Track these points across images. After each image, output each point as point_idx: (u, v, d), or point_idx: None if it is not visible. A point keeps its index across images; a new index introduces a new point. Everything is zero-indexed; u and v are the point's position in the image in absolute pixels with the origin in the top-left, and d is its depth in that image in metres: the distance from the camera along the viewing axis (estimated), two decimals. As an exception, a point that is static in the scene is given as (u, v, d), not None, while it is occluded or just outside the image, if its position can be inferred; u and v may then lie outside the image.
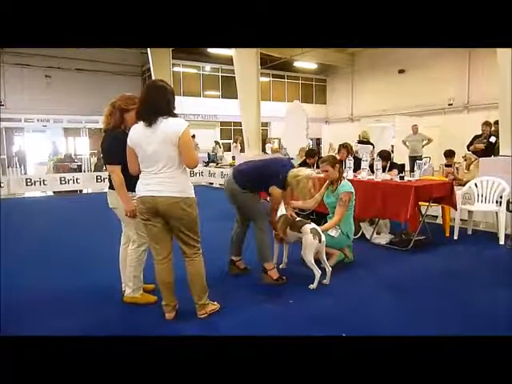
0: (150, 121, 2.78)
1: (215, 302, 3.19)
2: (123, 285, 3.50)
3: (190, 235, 2.94)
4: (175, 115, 2.86)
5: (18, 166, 17.18)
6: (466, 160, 7.81)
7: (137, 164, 2.93)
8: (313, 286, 3.65)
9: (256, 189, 3.87)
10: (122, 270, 3.49)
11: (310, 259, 3.66)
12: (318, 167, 5.50)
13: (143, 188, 2.89)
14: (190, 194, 2.89)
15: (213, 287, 3.22)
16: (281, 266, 4.21)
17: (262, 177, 3.80)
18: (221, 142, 19.60)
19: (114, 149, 3.17)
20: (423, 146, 11.57)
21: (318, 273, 3.66)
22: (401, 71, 20.33)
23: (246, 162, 4.09)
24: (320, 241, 3.70)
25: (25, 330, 2.85)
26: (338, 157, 6.58)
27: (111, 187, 3.29)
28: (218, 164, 15.27)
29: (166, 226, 2.94)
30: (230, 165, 12.51)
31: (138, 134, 2.85)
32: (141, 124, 2.84)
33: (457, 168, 7.11)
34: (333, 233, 4.20)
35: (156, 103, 2.79)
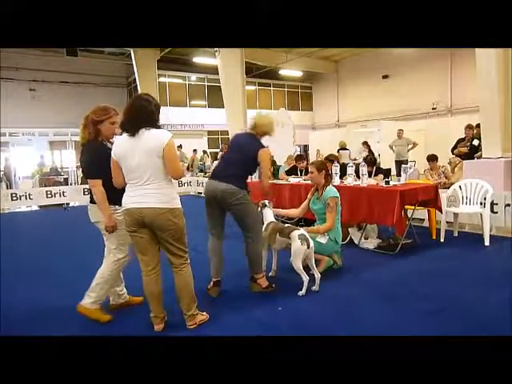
0: (133, 131, 2.79)
1: (204, 313, 3.18)
2: (111, 298, 3.48)
3: (178, 246, 2.94)
4: (159, 127, 2.87)
5: (2, 180, 16.94)
6: (450, 164, 7.96)
7: (121, 176, 2.92)
8: (302, 293, 3.66)
9: (249, 172, 3.81)
10: None
11: (298, 265, 3.67)
12: (307, 173, 5.54)
13: (129, 200, 2.89)
14: (175, 204, 2.90)
15: (202, 297, 3.21)
16: (270, 274, 4.22)
17: (245, 154, 3.74)
18: (208, 151, 19.61)
19: (93, 162, 3.15)
20: (408, 151, 11.74)
21: (306, 279, 3.67)
22: (385, 77, 20.57)
23: (217, 164, 3.98)
24: (308, 247, 3.71)
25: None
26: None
27: (92, 201, 3.24)
28: (206, 173, 15.25)
29: (152, 237, 2.93)
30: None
31: (121, 146, 2.86)
32: (124, 136, 2.85)
33: (443, 172, 7.20)
34: (321, 239, 4.22)
35: (138, 114, 2.81)
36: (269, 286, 3.81)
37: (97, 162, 3.07)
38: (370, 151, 12.56)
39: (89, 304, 3.23)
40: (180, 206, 2.94)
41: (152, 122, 2.83)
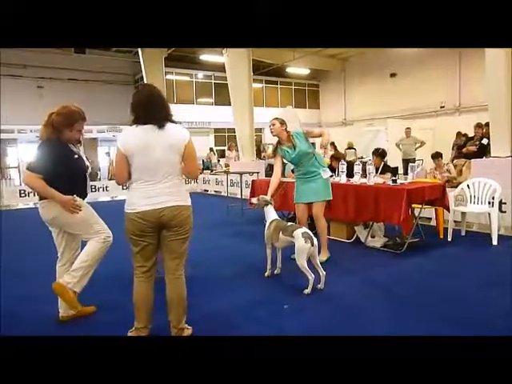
0: (160, 125, 2.61)
1: (190, 327, 2.92)
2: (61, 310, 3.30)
3: (185, 247, 2.78)
4: (175, 122, 2.74)
5: (11, 177, 17.12)
6: (455, 166, 7.91)
7: (127, 173, 2.68)
8: (307, 291, 3.65)
9: None
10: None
11: (302, 264, 3.65)
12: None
13: (142, 202, 2.63)
14: (189, 201, 2.79)
15: (202, 298, 3.19)
16: (275, 272, 4.21)
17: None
18: (215, 148, 19.63)
19: (41, 161, 3.02)
20: (416, 149, 11.66)
21: (311, 277, 3.65)
22: (392, 75, 20.46)
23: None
24: (312, 244, 3.68)
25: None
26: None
27: (42, 197, 3.09)
28: (212, 171, 15.26)
29: (157, 242, 2.76)
30: (225, 172, 12.50)
31: (137, 140, 2.61)
32: (141, 128, 2.62)
33: (447, 170, 7.14)
34: (326, 174, 4.54)
35: (162, 108, 2.67)
36: None
37: (46, 161, 2.98)
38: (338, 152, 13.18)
39: (70, 284, 3.03)
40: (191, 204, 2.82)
41: (170, 115, 2.71)
